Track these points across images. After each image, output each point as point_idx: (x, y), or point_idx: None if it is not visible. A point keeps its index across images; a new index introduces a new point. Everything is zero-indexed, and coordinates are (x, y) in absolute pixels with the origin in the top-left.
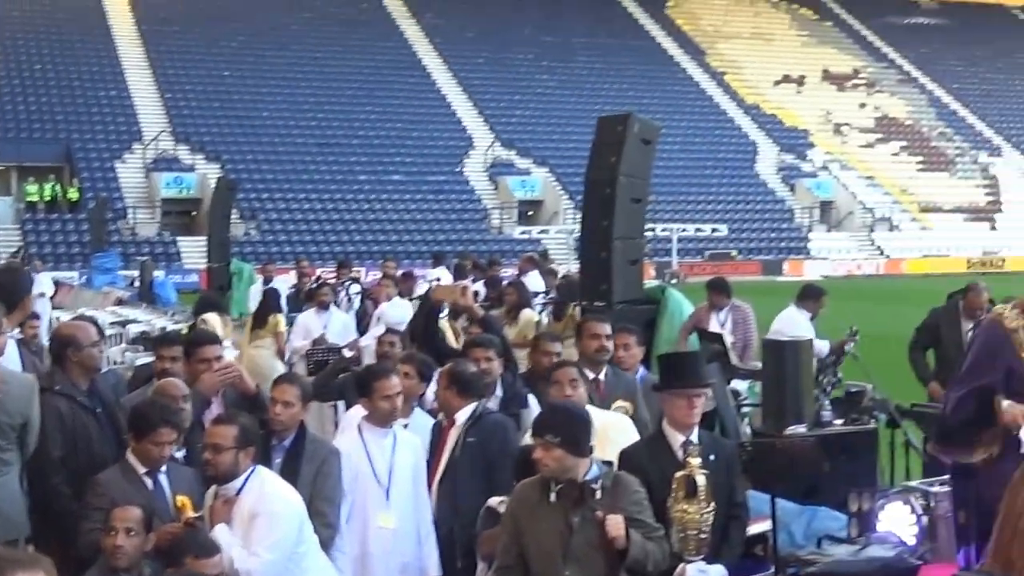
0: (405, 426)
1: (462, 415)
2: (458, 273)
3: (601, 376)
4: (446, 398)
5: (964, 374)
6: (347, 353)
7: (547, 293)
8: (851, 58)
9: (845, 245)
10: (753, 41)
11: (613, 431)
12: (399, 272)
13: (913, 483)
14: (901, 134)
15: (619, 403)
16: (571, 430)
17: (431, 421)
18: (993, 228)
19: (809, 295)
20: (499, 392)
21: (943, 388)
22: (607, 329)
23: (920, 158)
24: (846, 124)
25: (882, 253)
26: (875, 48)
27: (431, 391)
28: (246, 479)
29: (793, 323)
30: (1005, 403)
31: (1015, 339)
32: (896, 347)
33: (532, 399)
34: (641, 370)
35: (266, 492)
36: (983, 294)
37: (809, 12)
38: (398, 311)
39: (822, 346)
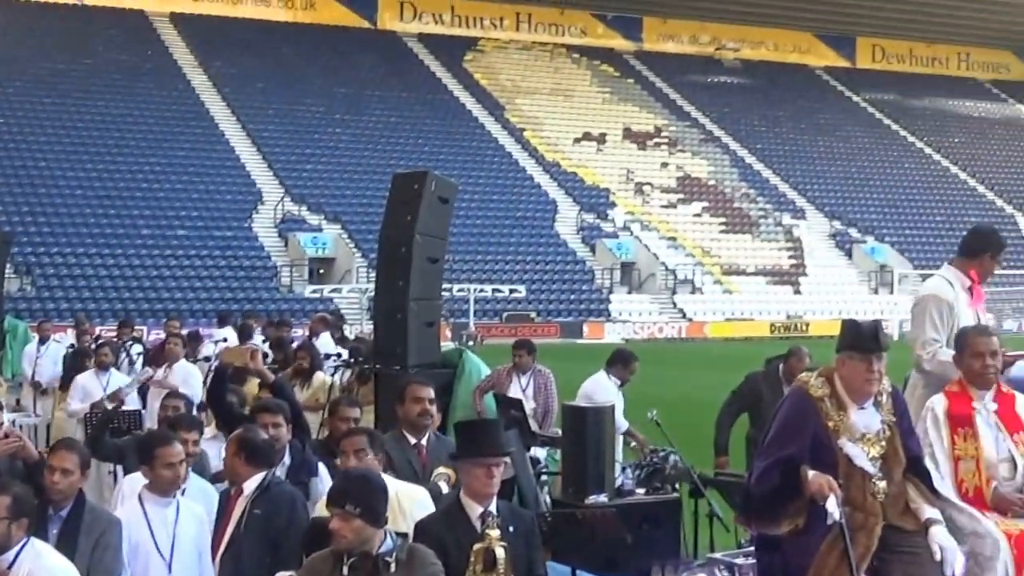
0: (182, 492)
1: (250, 484)
2: (243, 334)
3: (424, 441)
4: (234, 466)
5: (769, 443)
6: (108, 405)
7: (339, 355)
8: (653, 116)
9: (646, 308)
10: (553, 97)
11: (406, 501)
12: (184, 332)
13: (717, 555)
14: (704, 194)
15: (441, 470)
16: (370, 499)
17: (208, 486)
18: (797, 292)
19: (617, 360)
20: (287, 460)
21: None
22: (430, 393)
23: (723, 219)
24: (648, 183)
25: (684, 316)
26: (677, 106)
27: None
28: (18, 552)
29: (603, 389)
30: (811, 473)
31: (821, 408)
32: (699, 412)
33: (322, 467)
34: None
35: (40, 565)
36: (805, 359)
37: (610, 69)
38: (184, 373)
39: (621, 423)
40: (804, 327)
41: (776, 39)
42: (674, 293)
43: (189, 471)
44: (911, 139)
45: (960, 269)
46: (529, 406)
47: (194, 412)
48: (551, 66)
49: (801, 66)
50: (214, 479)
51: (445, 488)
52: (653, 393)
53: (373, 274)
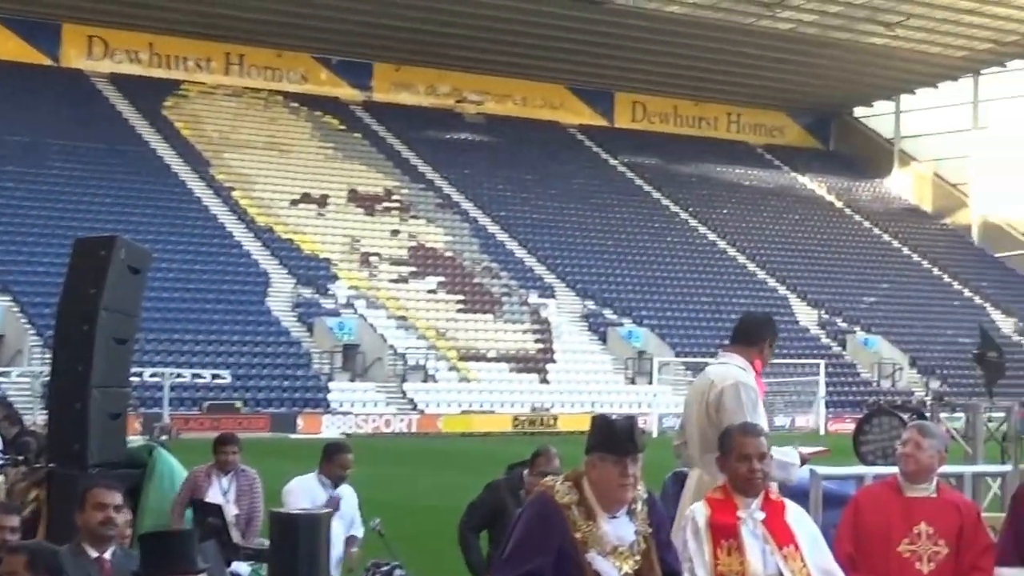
0: None
1: None
2: None
3: (107, 555)
4: None
5: (508, 558)
6: None
7: (5, 452)
8: (382, 177)
9: (371, 397)
10: (267, 152)
11: None
12: None
13: None
14: (439, 268)
15: None
16: None
17: None
18: (544, 380)
19: (322, 455)
20: None
21: None
22: (116, 498)
23: (461, 297)
24: (375, 254)
25: (415, 407)
26: (411, 166)
27: None
28: None
29: (304, 491)
30: None
31: (568, 517)
32: (431, 520)
33: None
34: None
35: None
36: (554, 460)
37: (335, 121)
38: None
39: (339, 532)
40: (551, 421)
41: (524, 92)
42: (403, 381)
43: None
44: (674, 209)
45: (744, 357)
46: (231, 512)
47: None
48: (265, 116)
49: (552, 123)
50: None
51: None
52: (377, 498)
53: (49, 355)
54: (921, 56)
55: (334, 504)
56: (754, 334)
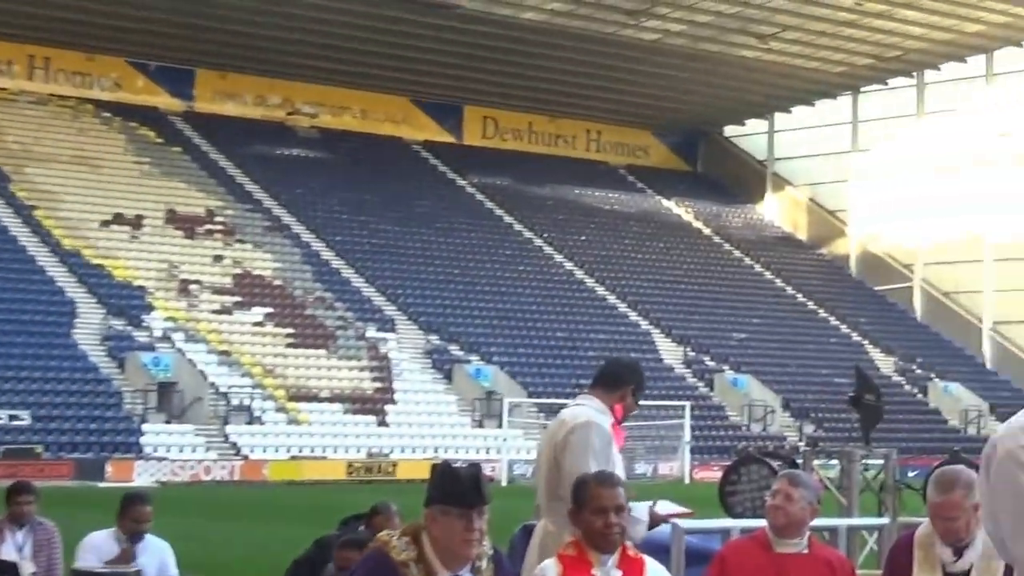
0: None
1: None
2: None
3: None
4: None
5: None
6: None
7: None
8: (205, 196)
9: (190, 441)
10: (75, 167)
11: None
12: None
13: None
14: (267, 298)
15: None
16: None
17: None
18: (382, 423)
19: (120, 507)
20: None
21: None
22: None
23: (291, 330)
24: (196, 282)
25: (238, 452)
26: (236, 184)
27: None
28: None
29: (96, 547)
30: None
31: (406, 574)
32: None
33: None
34: None
35: None
36: (394, 519)
37: (151, 133)
38: None
39: None
40: (390, 468)
41: (364, 104)
42: (226, 423)
43: None
44: (528, 234)
45: (603, 402)
46: (27, 570)
47: None
48: (74, 126)
49: (394, 139)
50: None
51: None
52: (197, 554)
53: None
54: (797, 71)
55: (125, 559)
56: (618, 379)
